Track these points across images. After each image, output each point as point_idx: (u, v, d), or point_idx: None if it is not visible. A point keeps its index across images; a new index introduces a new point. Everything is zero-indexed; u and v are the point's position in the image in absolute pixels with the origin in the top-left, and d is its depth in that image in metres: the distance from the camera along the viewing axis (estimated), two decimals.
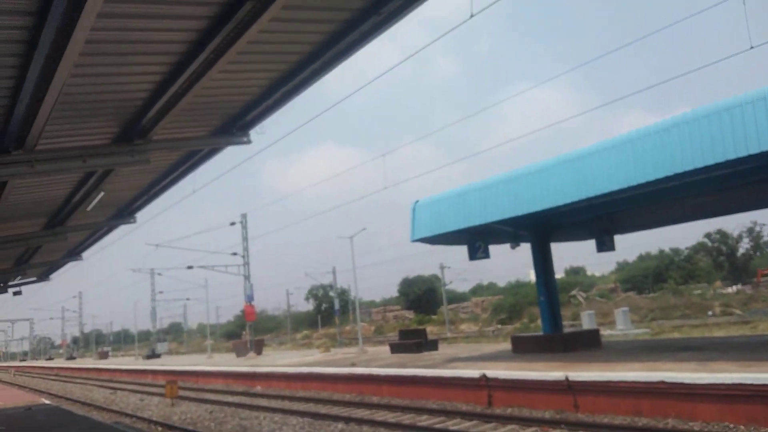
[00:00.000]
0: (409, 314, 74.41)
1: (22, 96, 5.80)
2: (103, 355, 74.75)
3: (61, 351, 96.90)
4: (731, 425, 10.06)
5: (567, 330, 22.48)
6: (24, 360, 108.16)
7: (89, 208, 11.15)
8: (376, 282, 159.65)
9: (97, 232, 16.08)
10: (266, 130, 8.83)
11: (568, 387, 12.72)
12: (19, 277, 21.92)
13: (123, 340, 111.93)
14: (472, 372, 15.10)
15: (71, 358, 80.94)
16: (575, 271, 78.95)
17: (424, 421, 13.53)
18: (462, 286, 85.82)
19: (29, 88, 5.66)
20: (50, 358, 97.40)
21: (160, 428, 16.79)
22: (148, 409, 21.08)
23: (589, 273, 79.32)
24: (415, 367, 17.42)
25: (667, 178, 12.54)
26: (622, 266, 76.03)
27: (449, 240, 19.70)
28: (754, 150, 11.04)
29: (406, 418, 14.04)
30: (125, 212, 13.79)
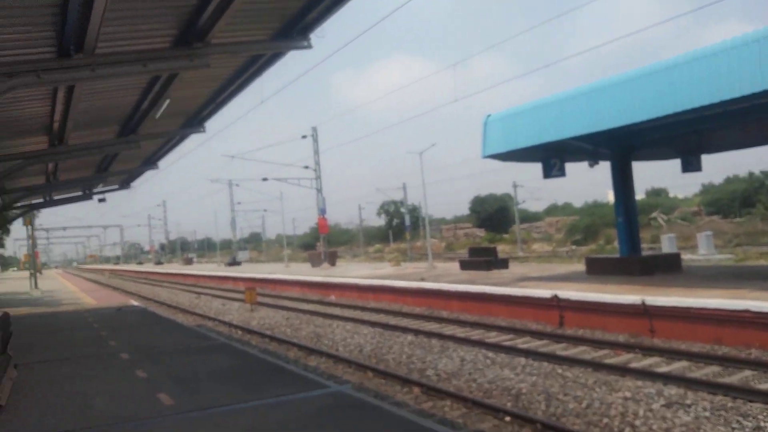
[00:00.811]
0: (480, 232, 74.10)
1: None
2: (188, 261, 79.28)
3: (149, 256, 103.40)
4: None
5: (645, 253, 21.59)
6: (117, 264, 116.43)
7: (157, 115, 11.23)
8: (447, 199, 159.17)
9: (169, 141, 16.40)
10: (326, 34, 8.41)
11: (644, 311, 12.23)
12: (101, 185, 23.00)
13: (207, 248, 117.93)
14: (543, 292, 14.80)
15: (159, 263, 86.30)
16: (657, 193, 75.41)
17: (493, 337, 13.48)
18: (536, 206, 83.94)
19: None
20: (140, 263, 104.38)
21: (239, 332, 17.63)
22: (228, 313, 22.17)
23: (671, 195, 75.58)
24: (485, 285, 17.27)
25: (764, 93, 11.25)
26: (707, 189, 71.76)
27: (522, 157, 18.91)
28: None
29: (475, 334, 14.03)
30: (194, 121, 13.88)
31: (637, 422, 7.22)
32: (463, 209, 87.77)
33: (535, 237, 64.01)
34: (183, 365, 9.42)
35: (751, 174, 64.83)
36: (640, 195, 78.39)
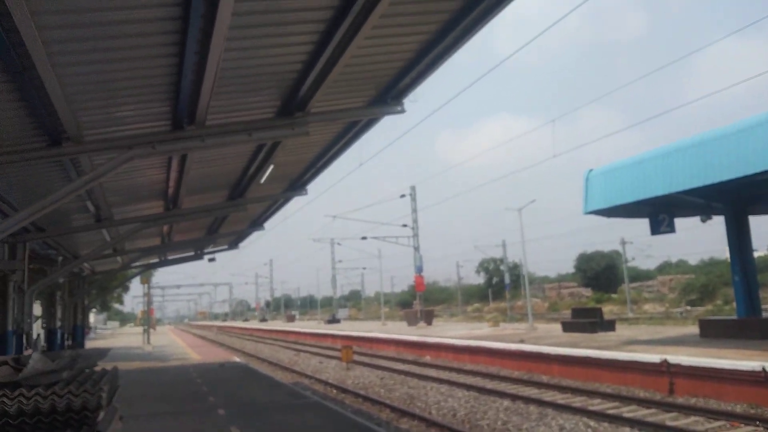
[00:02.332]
0: (587, 292, 71.04)
1: (185, 72, 6.23)
2: (291, 318, 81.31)
3: (255, 313, 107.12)
4: None
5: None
6: (225, 320, 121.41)
7: (262, 180, 11.92)
8: (550, 256, 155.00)
9: (274, 204, 17.26)
10: (419, 98, 8.69)
11: (765, 379, 11.17)
12: (211, 245, 24.42)
13: (309, 305, 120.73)
14: (651, 356, 13.92)
15: (263, 320, 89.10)
16: None
17: (597, 405, 12.74)
18: (647, 263, 79.78)
19: (190, 65, 6.05)
20: (246, 320, 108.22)
21: (334, 390, 17.75)
22: (325, 371, 22.40)
23: None
24: (588, 348, 16.47)
25: None
26: None
27: (627, 212, 18.24)
28: None
29: (577, 401, 13.33)
30: (297, 184, 14.59)
31: None
32: (569, 267, 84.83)
33: (647, 297, 60.53)
34: (275, 422, 9.60)
35: None
36: (762, 251, 72.67)
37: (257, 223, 20.40)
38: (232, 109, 8.16)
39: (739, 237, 17.56)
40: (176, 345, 37.83)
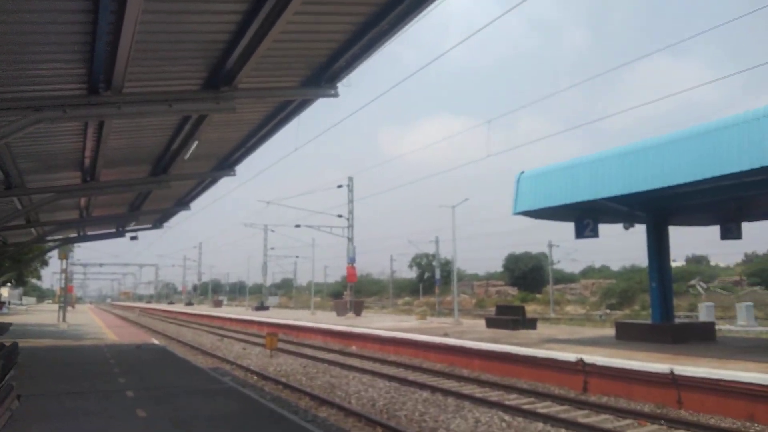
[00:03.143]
0: (513, 291, 72.88)
1: (99, 31, 5.80)
2: (218, 304, 79.68)
3: (182, 297, 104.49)
4: None
5: (681, 321, 20.76)
6: (149, 302, 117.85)
7: (186, 156, 11.43)
8: (481, 254, 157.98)
9: (201, 183, 16.66)
10: (354, 84, 8.49)
11: (672, 381, 11.63)
12: (133, 223, 23.44)
13: (238, 291, 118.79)
14: (568, 355, 14.27)
15: (189, 304, 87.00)
16: (697, 260, 73.52)
17: (513, 400, 12.96)
18: (572, 267, 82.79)
19: (105, 24, 5.62)
20: (171, 303, 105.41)
21: (255, 377, 17.40)
22: (247, 358, 21.97)
23: (712, 263, 73.48)
24: (509, 344, 16.77)
25: None
26: (750, 258, 69.69)
27: (555, 215, 18.62)
28: None
29: (494, 395, 13.53)
30: (225, 164, 14.10)
31: None
32: (498, 266, 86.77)
33: (569, 299, 62.58)
34: (185, 407, 9.26)
35: None
36: (680, 261, 76.50)
37: (183, 203, 19.66)
38: (153, 78, 7.72)
39: (658, 245, 18.22)
40: (94, 324, 36.33)
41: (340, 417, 11.70)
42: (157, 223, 24.44)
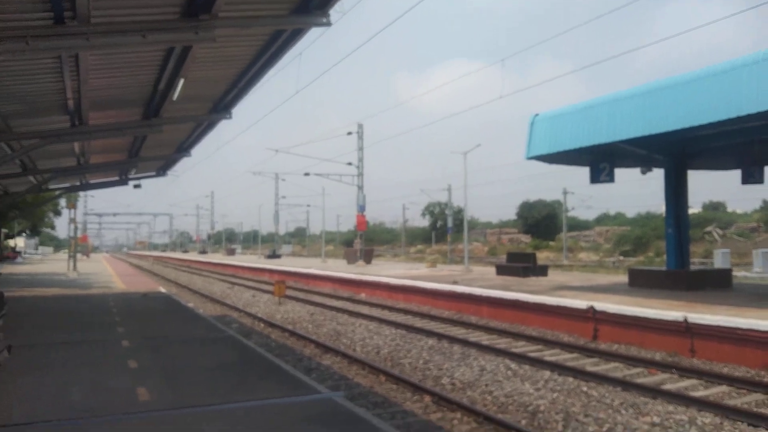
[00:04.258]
0: (526, 238, 72.47)
1: None
2: (231, 252, 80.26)
3: (196, 245, 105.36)
4: None
5: (696, 268, 20.23)
6: (164, 251, 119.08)
7: (175, 96, 10.84)
8: (495, 203, 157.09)
9: (198, 128, 16.11)
10: (346, 9, 7.79)
11: (686, 329, 11.20)
12: (135, 170, 23.05)
13: (252, 240, 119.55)
14: (579, 302, 13.88)
15: (203, 252, 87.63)
16: (714, 207, 72.26)
17: (520, 347, 12.67)
18: (587, 214, 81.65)
19: None
20: (185, 251, 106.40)
21: (262, 325, 17.28)
22: (256, 305, 21.89)
23: (729, 210, 72.27)
24: (519, 292, 16.41)
25: None
26: None
27: (569, 159, 17.95)
28: None
29: (502, 342, 13.24)
30: (219, 107, 13.49)
31: None
32: (511, 214, 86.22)
33: (583, 246, 62.11)
34: (181, 357, 9.00)
35: None
36: (696, 208, 75.40)
37: (183, 149, 19.15)
38: (123, 5, 7.09)
39: (676, 190, 17.55)
40: (105, 273, 36.50)
41: (344, 365, 11.49)
42: (161, 171, 24.02)
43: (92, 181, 25.44)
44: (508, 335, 14.02)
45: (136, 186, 25.17)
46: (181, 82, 9.95)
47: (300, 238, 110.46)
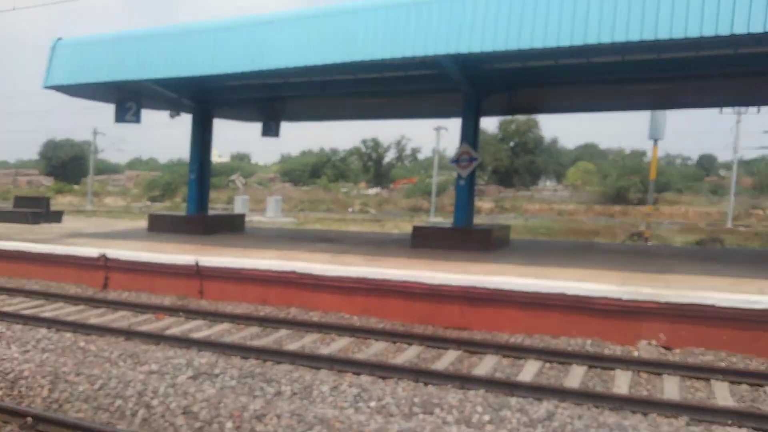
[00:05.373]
0: (48, 181, 65.37)
1: None
2: None
3: None
4: (346, 315, 10.09)
5: (214, 212, 21.30)
6: None
7: None
8: (13, 138, 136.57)
9: None
10: None
11: (196, 272, 11.49)
12: None
13: None
14: (91, 250, 12.81)
15: None
16: (240, 157, 79.05)
17: (16, 305, 10.98)
18: (118, 158, 78.63)
19: None
20: None
21: None
22: None
23: (253, 161, 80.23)
24: (24, 241, 14.25)
25: (340, 67, 11.55)
26: (285, 159, 78.54)
27: (94, 94, 16.37)
28: (438, 50, 10.46)
29: None
30: None
31: (155, 401, 6.19)
32: (33, 154, 76.33)
33: (111, 190, 59.55)
34: None
35: (322, 149, 73.46)
36: (225, 157, 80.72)
37: None
38: None
39: (201, 137, 17.83)
40: None
41: None
42: None
43: None
44: (3, 292, 12.03)
45: None
46: None
47: None
